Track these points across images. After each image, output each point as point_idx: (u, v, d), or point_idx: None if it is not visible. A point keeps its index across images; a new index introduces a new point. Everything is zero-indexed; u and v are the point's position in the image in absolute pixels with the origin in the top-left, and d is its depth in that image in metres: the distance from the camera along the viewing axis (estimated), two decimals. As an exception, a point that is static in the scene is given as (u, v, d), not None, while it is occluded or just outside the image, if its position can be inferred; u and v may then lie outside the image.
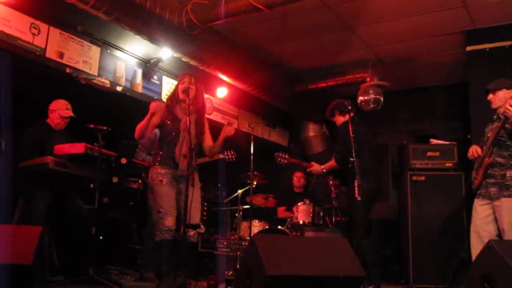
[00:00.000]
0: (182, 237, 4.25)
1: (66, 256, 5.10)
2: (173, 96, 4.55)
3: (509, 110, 4.32)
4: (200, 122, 4.55)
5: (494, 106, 4.72)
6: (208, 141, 4.65)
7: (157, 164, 4.39)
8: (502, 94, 4.67)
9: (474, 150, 4.76)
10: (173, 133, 4.38)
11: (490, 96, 4.73)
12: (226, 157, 6.36)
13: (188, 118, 4.27)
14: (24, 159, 4.74)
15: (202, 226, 4.52)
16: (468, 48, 6.79)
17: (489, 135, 4.73)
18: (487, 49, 6.62)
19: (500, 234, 4.57)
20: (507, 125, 4.50)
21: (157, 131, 4.70)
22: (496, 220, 4.60)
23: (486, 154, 4.64)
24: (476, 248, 4.60)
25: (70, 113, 5.11)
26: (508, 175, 4.54)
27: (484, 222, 4.64)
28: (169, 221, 4.21)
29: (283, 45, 7.53)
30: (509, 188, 4.51)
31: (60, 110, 5.08)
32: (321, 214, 6.61)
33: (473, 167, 4.87)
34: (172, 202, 4.28)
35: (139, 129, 4.34)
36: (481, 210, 4.69)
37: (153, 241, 5.06)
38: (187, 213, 4.12)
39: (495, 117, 4.77)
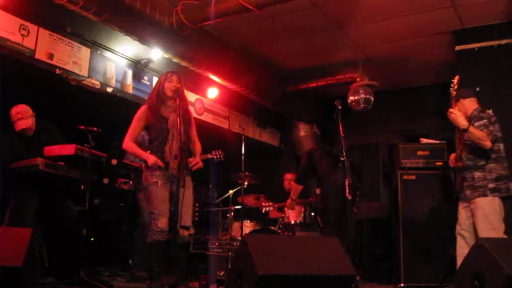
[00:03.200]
0: (175, 238, 4.27)
1: (57, 258, 5.08)
2: (158, 93, 4.50)
3: (449, 116, 4.70)
4: (186, 118, 4.53)
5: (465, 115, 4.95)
6: (195, 138, 4.66)
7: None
8: (461, 105, 4.92)
9: (452, 157, 5.02)
10: (163, 134, 4.37)
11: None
12: (215, 157, 6.37)
13: (179, 118, 4.27)
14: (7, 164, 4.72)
15: (191, 228, 4.53)
16: (457, 48, 6.83)
17: None
18: (476, 49, 6.67)
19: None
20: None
21: (144, 133, 4.70)
22: None
23: (458, 159, 4.90)
24: (460, 247, 4.86)
25: (22, 125, 4.94)
26: (476, 176, 4.79)
27: (467, 224, 4.87)
28: (162, 222, 4.21)
29: (273, 45, 7.53)
30: (478, 189, 4.75)
31: (14, 123, 4.97)
32: (312, 214, 6.64)
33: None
34: (166, 204, 4.28)
35: (128, 149, 4.44)
36: (463, 212, 4.92)
37: (145, 242, 5.06)
38: (178, 214, 4.15)
39: None
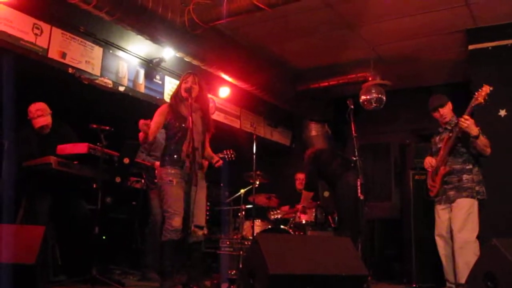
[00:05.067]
0: (188, 237, 4.29)
1: (69, 256, 5.09)
2: (177, 94, 4.55)
3: (463, 123, 4.71)
4: (206, 119, 4.56)
5: (446, 119, 5.12)
6: (207, 143, 4.67)
7: (166, 164, 4.38)
8: (449, 106, 5.10)
9: (430, 162, 5.17)
10: (180, 132, 4.38)
11: (442, 111, 5.10)
12: (226, 156, 6.38)
13: (190, 117, 4.27)
14: (21, 161, 4.74)
15: (205, 228, 4.52)
16: (471, 47, 6.79)
17: (440, 145, 5.13)
18: (489, 48, 6.62)
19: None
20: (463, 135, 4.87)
21: (159, 133, 4.71)
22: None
23: (441, 163, 5.02)
24: (442, 248, 5.10)
25: (41, 122, 4.95)
26: (464, 179, 4.92)
27: (446, 225, 5.03)
28: (177, 222, 4.21)
29: (285, 45, 7.53)
30: (466, 190, 4.89)
31: (33, 120, 4.97)
32: (324, 213, 6.62)
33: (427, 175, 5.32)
34: (180, 203, 4.27)
35: (139, 138, 4.41)
36: (442, 214, 5.08)
37: (156, 241, 5.06)
38: (191, 212, 4.17)
39: (440, 129, 5.22)
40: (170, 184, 4.29)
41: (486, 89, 4.75)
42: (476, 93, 4.79)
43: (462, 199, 4.88)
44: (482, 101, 4.75)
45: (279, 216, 6.67)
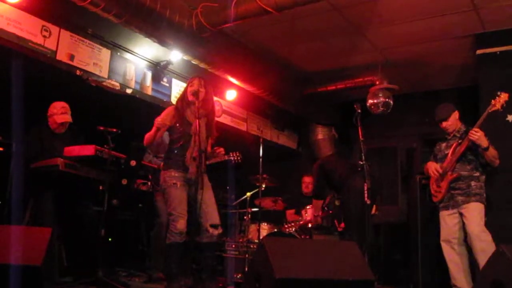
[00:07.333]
0: (211, 237, 4.29)
1: (75, 258, 5.11)
2: (183, 98, 4.55)
3: (473, 135, 4.77)
4: (210, 125, 4.55)
5: (451, 130, 5.17)
6: (208, 147, 4.66)
7: (170, 167, 4.38)
8: (454, 117, 5.15)
9: (435, 168, 5.18)
10: (185, 138, 4.37)
11: (445, 124, 5.17)
12: (232, 159, 6.37)
13: (198, 121, 4.27)
14: (29, 162, 4.76)
15: (220, 227, 4.52)
16: (479, 52, 6.75)
17: (446, 152, 5.17)
18: (498, 53, 6.58)
19: (466, 239, 4.97)
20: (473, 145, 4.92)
21: (164, 134, 4.72)
22: (463, 226, 4.99)
23: (448, 169, 5.06)
24: (448, 254, 5.11)
25: (65, 118, 5.02)
26: (473, 185, 4.96)
27: (453, 231, 5.05)
28: (181, 224, 4.22)
29: (292, 48, 7.52)
30: (475, 195, 4.92)
31: (55, 116, 5.02)
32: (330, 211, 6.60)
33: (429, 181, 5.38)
34: (185, 205, 4.28)
35: (147, 139, 4.43)
36: (449, 219, 5.09)
37: (162, 243, 5.05)
38: (202, 214, 4.21)
39: (448, 137, 5.24)
40: (174, 187, 4.30)
41: (504, 96, 4.81)
42: (493, 100, 4.83)
43: (473, 203, 4.90)
44: (500, 107, 4.80)
45: (294, 229, 6.60)
